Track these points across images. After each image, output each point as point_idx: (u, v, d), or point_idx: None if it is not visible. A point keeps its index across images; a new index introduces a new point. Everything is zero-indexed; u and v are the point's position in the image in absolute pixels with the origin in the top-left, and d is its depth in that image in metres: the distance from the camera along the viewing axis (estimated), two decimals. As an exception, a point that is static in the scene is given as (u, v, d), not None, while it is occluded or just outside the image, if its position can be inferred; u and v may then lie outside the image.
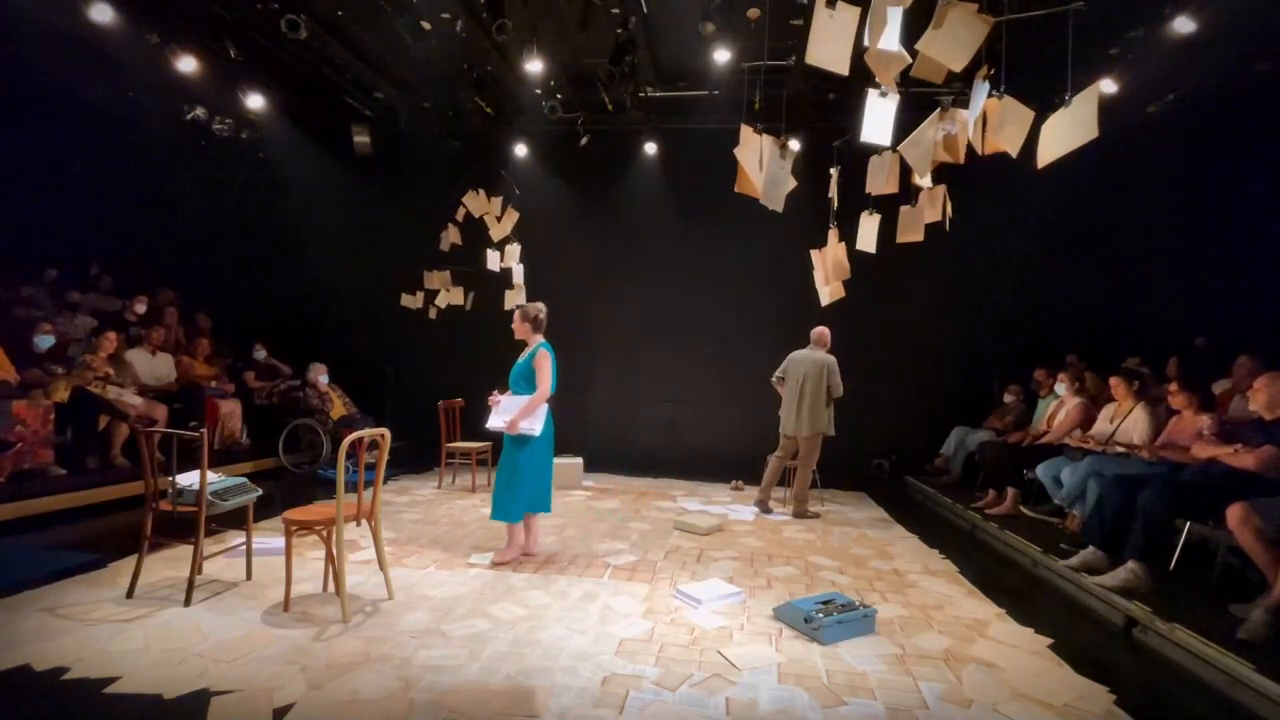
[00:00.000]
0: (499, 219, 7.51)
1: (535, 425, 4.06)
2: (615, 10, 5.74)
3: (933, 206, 4.50)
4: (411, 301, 7.93)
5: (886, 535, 5.27)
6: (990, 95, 3.41)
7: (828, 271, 4.97)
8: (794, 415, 5.70)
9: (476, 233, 7.68)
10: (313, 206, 8.62)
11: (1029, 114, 3.33)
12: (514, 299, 7.56)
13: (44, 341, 5.60)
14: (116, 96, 7.06)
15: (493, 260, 7.50)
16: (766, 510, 5.85)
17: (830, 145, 5.22)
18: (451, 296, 8.00)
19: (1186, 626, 3.04)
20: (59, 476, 5.08)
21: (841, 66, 3.26)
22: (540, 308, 4.31)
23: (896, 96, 3.43)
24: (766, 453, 6.42)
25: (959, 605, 3.67)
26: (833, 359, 5.67)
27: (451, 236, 7.84)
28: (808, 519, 5.69)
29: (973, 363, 7.71)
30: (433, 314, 7.93)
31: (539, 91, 7.15)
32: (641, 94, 7.26)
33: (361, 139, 8.04)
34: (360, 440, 3.19)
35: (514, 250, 7.52)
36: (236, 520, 3.62)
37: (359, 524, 3.35)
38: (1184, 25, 4.88)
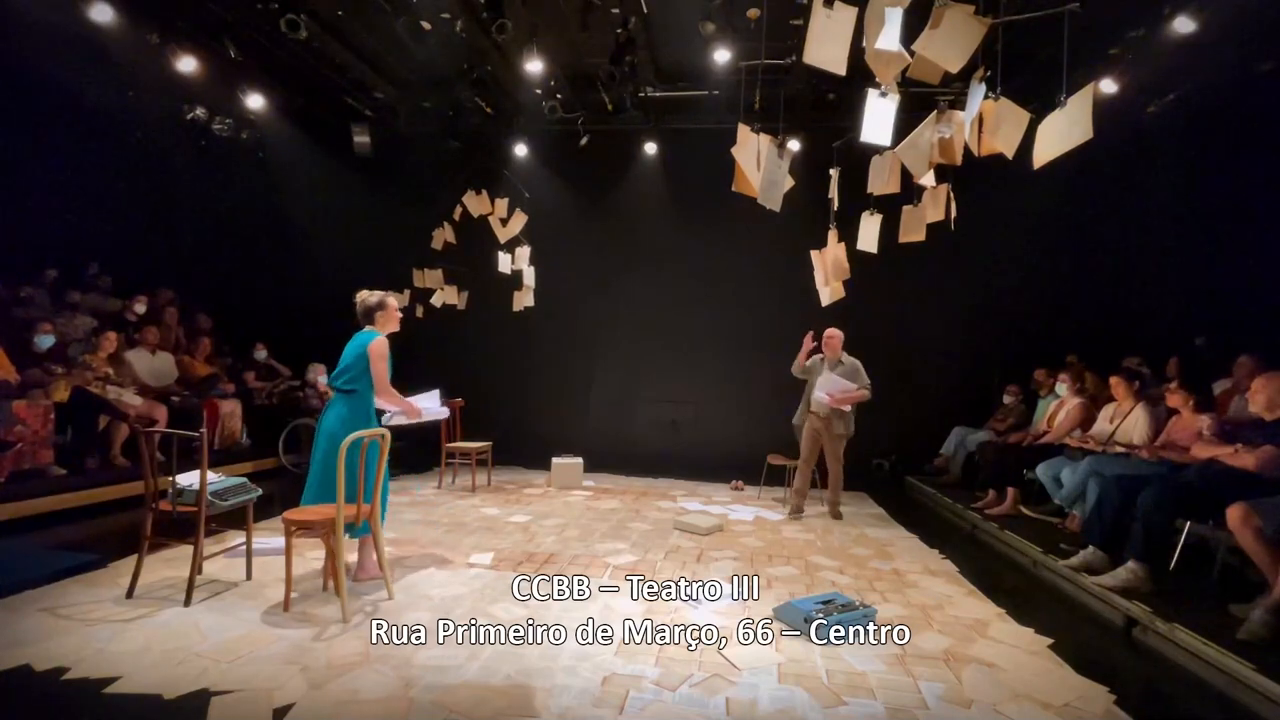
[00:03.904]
0: (505, 222, 7.46)
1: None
2: (615, 10, 5.74)
3: (935, 206, 4.50)
4: (398, 299, 7.86)
5: (886, 535, 5.27)
6: (987, 96, 3.41)
7: (827, 272, 4.97)
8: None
9: (473, 233, 7.64)
10: (313, 206, 8.60)
11: (1025, 115, 3.33)
12: (523, 300, 7.55)
13: (44, 341, 5.60)
14: (116, 96, 7.06)
15: (503, 262, 7.45)
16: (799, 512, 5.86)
17: (830, 145, 5.22)
18: (446, 296, 7.96)
19: (1186, 626, 3.04)
20: (59, 476, 5.08)
21: (839, 66, 3.26)
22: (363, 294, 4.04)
23: (896, 96, 3.43)
24: (766, 453, 6.42)
25: (959, 605, 3.67)
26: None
27: (445, 235, 7.79)
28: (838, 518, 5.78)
29: (973, 363, 7.71)
30: (419, 313, 7.70)
31: (539, 91, 7.15)
32: (641, 94, 7.26)
33: (361, 139, 8.03)
34: (360, 440, 3.19)
35: (524, 252, 7.48)
36: (236, 520, 3.62)
37: (359, 524, 3.35)
38: (1184, 25, 4.88)
